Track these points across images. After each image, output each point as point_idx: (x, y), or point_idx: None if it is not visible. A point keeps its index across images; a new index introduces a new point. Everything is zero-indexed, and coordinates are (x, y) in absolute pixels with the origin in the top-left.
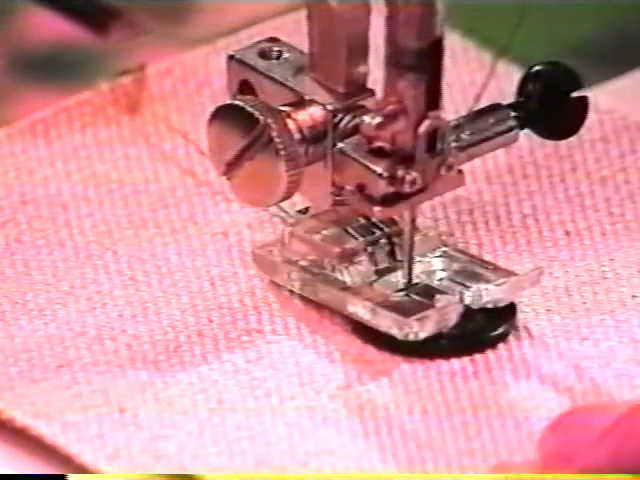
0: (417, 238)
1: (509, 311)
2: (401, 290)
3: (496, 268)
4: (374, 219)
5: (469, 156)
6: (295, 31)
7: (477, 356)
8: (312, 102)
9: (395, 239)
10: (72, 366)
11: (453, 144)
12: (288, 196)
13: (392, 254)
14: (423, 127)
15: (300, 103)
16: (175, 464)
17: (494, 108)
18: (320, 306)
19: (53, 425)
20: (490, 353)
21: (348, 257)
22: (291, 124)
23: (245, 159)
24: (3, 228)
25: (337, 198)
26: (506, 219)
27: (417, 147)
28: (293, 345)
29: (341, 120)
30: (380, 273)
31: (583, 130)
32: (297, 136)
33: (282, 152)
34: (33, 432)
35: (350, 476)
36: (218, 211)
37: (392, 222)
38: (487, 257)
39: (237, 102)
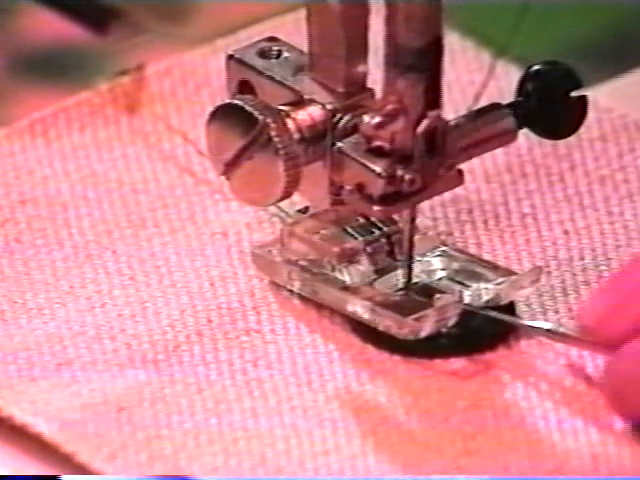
0: (416, 237)
1: (508, 310)
2: (401, 289)
3: (495, 267)
4: (373, 219)
5: (468, 155)
6: (294, 31)
7: (476, 356)
8: (311, 102)
9: (394, 238)
10: (71, 365)
11: (452, 143)
12: (287, 195)
13: (391, 253)
14: (422, 126)
15: (299, 102)
16: (172, 464)
17: (493, 108)
18: (319, 306)
19: (51, 423)
20: (489, 352)
21: (347, 257)
22: (290, 123)
23: (244, 159)
24: (2, 228)
25: (336, 198)
26: (505, 218)
27: (416, 146)
28: (292, 345)
29: (340, 119)
30: (379, 272)
31: (582, 129)
32: (296, 136)
33: (281, 151)
34: (32, 430)
35: (345, 478)
36: (217, 211)
37: (391, 222)
38: (486, 256)
39: (236, 102)
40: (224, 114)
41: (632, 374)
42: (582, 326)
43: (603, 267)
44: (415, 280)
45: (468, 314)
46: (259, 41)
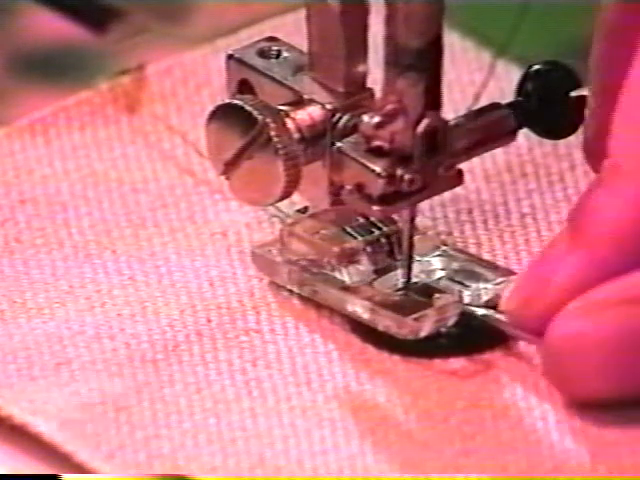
0: (416, 237)
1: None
2: (400, 289)
3: (495, 267)
4: (373, 218)
5: (468, 155)
6: (294, 31)
7: (475, 356)
8: (311, 101)
9: (394, 238)
10: (70, 364)
11: (452, 143)
12: (287, 195)
13: (391, 253)
14: (422, 126)
15: (299, 102)
16: (170, 464)
17: (493, 107)
18: (319, 306)
19: (50, 423)
20: (488, 352)
21: (347, 256)
22: (290, 123)
23: (244, 158)
24: (2, 227)
25: (336, 197)
26: (505, 218)
27: (416, 146)
28: (291, 345)
29: (340, 119)
30: (379, 272)
31: (582, 129)
32: (296, 135)
33: (281, 151)
34: (30, 429)
35: (344, 477)
36: (217, 210)
37: (391, 221)
38: (486, 256)
39: (236, 101)
40: (224, 114)
41: (564, 354)
42: (506, 313)
43: None
44: (415, 280)
45: (468, 314)
46: (259, 41)
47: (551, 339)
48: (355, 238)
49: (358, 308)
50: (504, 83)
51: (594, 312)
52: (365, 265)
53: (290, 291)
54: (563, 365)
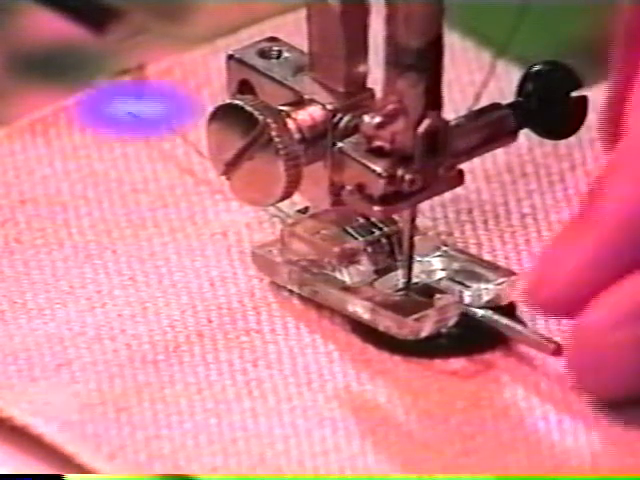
0: (416, 238)
1: (509, 311)
2: (401, 290)
3: (496, 267)
4: (373, 219)
5: (469, 155)
6: (295, 31)
7: (476, 356)
8: (312, 102)
9: (394, 239)
10: (71, 365)
11: (452, 144)
12: (287, 196)
13: (392, 254)
14: (422, 127)
15: (300, 103)
16: (171, 464)
17: (493, 108)
18: (319, 306)
19: (51, 424)
20: (489, 353)
21: (348, 257)
22: (290, 124)
23: (244, 159)
24: (2, 227)
25: (337, 198)
26: (505, 218)
27: (416, 147)
28: (292, 345)
29: (341, 120)
30: (380, 273)
31: (582, 129)
32: (297, 136)
33: (281, 152)
34: (31, 431)
35: (345, 477)
36: (217, 211)
37: (392, 222)
38: (486, 256)
39: (236, 102)
40: (224, 114)
41: (594, 354)
42: (522, 293)
43: None
44: (415, 280)
45: (468, 314)
46: (259, 41)
47: (582, 359)
48: (356, 238)
49: (359, 308)
50: (504, 83)
51: (622, 334)
52: (366, 265)
53: (290, 291)
54: (596, 377)
